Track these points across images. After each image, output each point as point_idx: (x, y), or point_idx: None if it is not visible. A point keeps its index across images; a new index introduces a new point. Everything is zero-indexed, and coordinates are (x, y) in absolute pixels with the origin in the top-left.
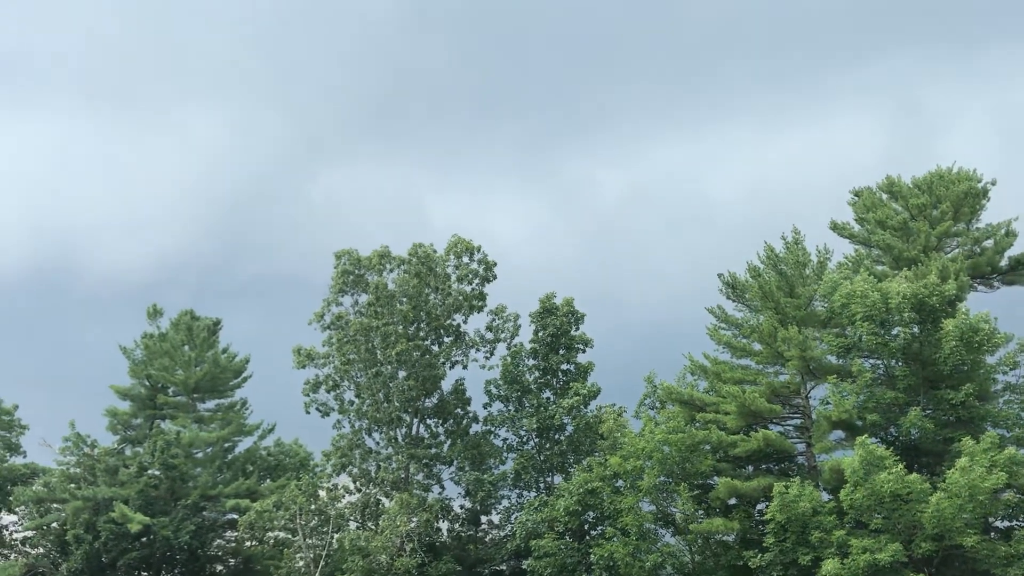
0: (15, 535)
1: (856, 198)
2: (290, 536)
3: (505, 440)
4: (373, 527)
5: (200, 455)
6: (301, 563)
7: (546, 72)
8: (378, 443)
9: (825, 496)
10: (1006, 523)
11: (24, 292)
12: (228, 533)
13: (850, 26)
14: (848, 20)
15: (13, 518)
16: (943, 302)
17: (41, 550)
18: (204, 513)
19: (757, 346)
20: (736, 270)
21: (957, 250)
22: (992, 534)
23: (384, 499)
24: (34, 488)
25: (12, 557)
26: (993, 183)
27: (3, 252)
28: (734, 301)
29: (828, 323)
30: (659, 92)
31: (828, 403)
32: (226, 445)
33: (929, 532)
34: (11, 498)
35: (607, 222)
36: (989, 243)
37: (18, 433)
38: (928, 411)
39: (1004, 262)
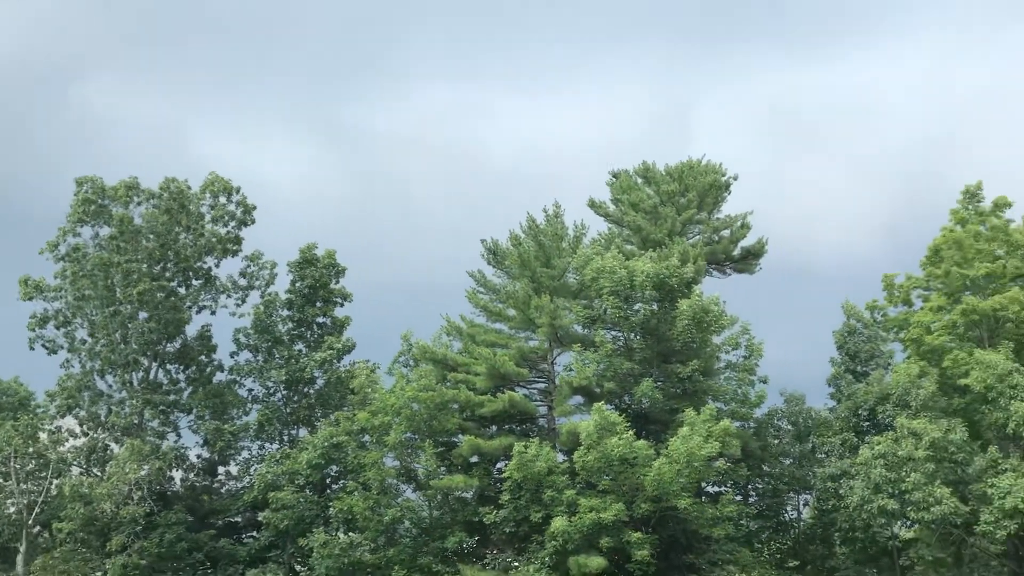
0: None
1: (614, 179)
2: (1, 480)
3: (251, 391)
4: (99, 474)
5: None
6: (12, 509)
7: (327, 11)
8: (111, 386)
9: (560, 457)
10: (715, 488)
11: None
12: None
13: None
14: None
15: None
16: (681, 283)
17: None
18: None
19: (512, 312)
20: (502, 232)
21: (698, 237)
22: (703, 497)
23: (114, 445)
24: None
25: None
26: (735, 178)
27: None
28: (494, 267)
29: (578, 295)
30: (441, 38)
31: (571, 370)
32: None
33: (649, 494)
34: None
35: (378, 169)
36: (726, 233)
37: None
38: (659, 383)
39: (737, 251)
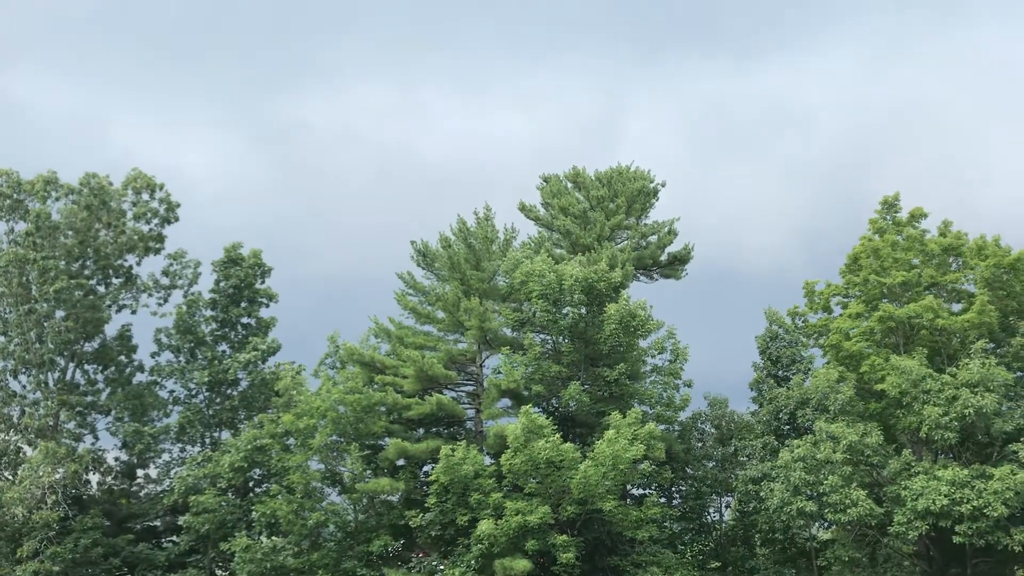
0: None
1: (545, 183)
2: None
3: (172, 392)
4: (11, 477)
5: None
6: None
7: (260, 5)
8: (25, 387)
9: (488, 460)
10: (640, 491)
11: None
12: None
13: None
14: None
15: None
16: (609, 288)
17: None
18: None
19: (441, 314)
20: (432, 233)
21: (626, 242)
22: (628, 500)
23: (27, 447)
24: None
25: None
26: (663, 185)
27: None
28: (424, 268)
29: (508, 298)
30: (376, 38)
31: (500, 372)
32: None
33: (575, 496)
34: None
35: (308, 167)
36: (654, 238)
37: None
38: (586, 386)
39: (664, 257)
